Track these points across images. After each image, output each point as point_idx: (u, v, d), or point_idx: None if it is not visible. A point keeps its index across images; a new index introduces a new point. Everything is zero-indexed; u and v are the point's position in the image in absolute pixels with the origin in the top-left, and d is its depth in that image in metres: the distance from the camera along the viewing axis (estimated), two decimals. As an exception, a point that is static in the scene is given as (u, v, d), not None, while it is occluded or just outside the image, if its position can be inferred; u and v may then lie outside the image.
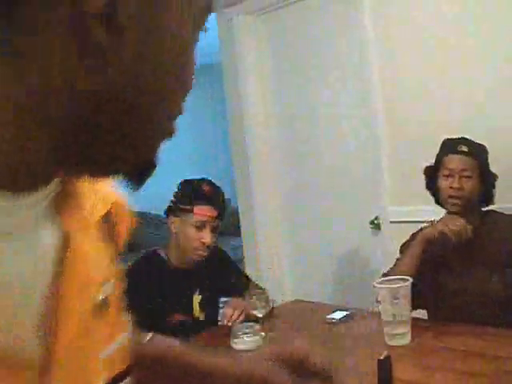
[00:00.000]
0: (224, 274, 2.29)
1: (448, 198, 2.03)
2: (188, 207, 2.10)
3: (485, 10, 2.43)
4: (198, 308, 2.16)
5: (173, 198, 2.18)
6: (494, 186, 2.10)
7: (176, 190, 2.19)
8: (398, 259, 2.09)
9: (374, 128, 2.90)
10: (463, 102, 2.53)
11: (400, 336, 1.77)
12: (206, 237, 2.10)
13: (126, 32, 0.39)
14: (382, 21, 2.79)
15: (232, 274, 2.34)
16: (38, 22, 0.38)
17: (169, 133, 0.47)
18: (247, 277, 2.44)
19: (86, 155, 0.43)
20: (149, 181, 0.46)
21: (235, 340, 1.87)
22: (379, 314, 1.81)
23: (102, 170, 0.46)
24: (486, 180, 2.06)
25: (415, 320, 1.84)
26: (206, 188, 2.10)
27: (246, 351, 1.83)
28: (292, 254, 3.56)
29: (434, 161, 2.12)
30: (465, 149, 2.04)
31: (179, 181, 2.23)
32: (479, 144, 2.10)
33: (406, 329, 1.78)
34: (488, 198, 2.09)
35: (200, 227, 2.10)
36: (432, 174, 2.11)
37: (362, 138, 3.01)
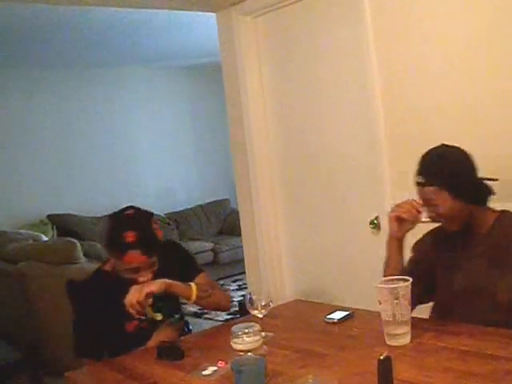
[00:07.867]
0: (172, 263, 2.24)
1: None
2: (117, 255, 2.08)
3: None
4: (149, 310, 2.18)
5: (103, 240, 2.12)
6: (477, 184, 1.94)
7: (101, 227, 2.13)
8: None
9: (374, 128, 2.89)
10: (463, 103, 2.53)
11: (400, 336, 1.77)
12: (142, 277, 2.10)
13: None
14: (382, 21, 2.79)
15: (181, 261, 2.31)
16: None
17: None
18: (199, 268, 2.37)
19: None
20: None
21: (235, 340, 1.87)
22: (379, 313, 1.81)
23: None
24: (462, 192, 1.91)
25: (415, 320, 1.84)
26: (129, 238, 2.03)
27: (246, 351, 1.83)
28: (292, 254, 3.56)
29: None
30: (421, 180, 1.96)
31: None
32: (439, 161, 1.95)
33: (406, 329, 1.78)
34: (480, 198, 1.96)
35: (135, 270, 2.09)
36: None
37: (362, 138, 3.01)
